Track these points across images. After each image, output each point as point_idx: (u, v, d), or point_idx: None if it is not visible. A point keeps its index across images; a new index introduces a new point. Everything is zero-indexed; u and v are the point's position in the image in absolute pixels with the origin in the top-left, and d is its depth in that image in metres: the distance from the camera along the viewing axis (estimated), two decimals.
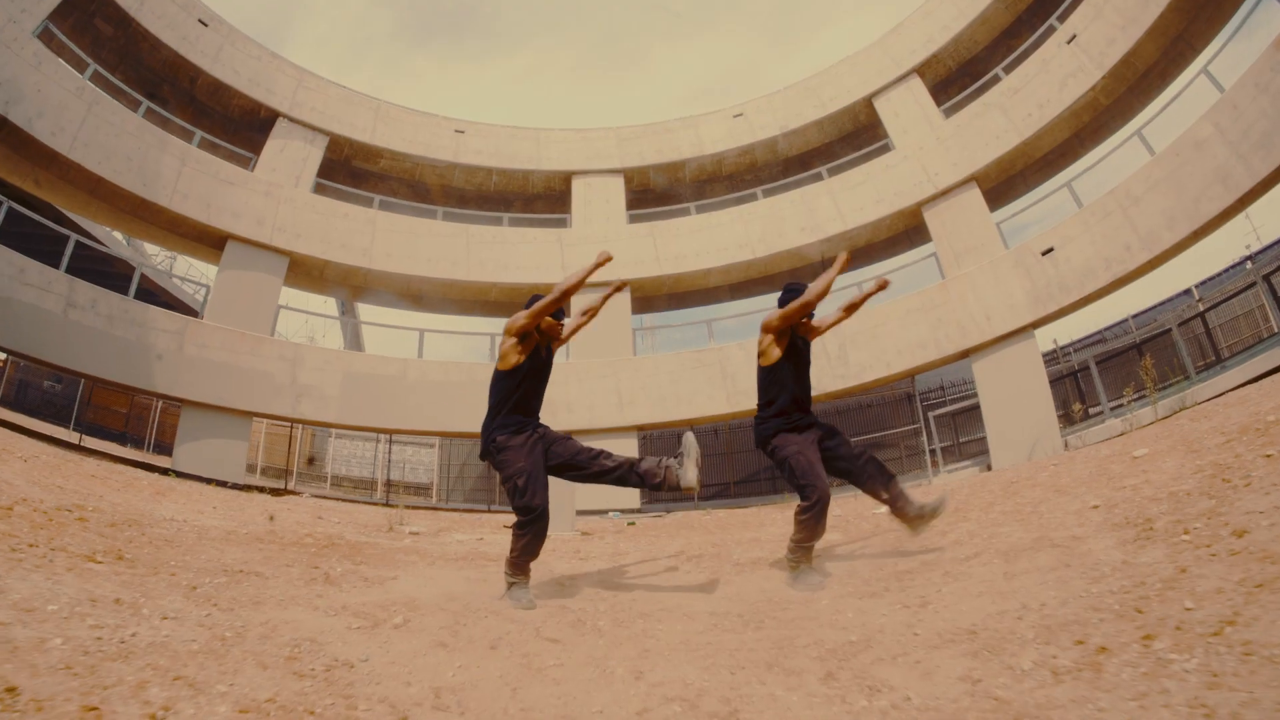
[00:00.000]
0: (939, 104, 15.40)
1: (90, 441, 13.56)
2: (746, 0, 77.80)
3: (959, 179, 14.15)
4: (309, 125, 15.47)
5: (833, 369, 13.96)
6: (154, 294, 17.63)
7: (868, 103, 16.21)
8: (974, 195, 14.05)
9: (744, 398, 14.34)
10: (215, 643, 2.34)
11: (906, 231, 15.63)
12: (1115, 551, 3.15)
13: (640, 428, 15.09)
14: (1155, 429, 8.50)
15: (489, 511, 15.53)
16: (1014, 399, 12.42)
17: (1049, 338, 19.25)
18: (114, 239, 19.41)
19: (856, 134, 17.05)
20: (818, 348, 14.01)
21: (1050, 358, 17.00)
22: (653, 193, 18.30)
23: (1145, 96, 13.79)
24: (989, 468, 12.43)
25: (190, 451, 12.46)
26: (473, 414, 14.08)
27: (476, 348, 16.26)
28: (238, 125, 15.52)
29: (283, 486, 14.65)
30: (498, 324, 17.66)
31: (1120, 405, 13.10)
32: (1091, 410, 13.98)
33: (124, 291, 12.40)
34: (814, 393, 13.44)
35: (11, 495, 4.40)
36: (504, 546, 6.79)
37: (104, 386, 14.18)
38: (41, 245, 12.23)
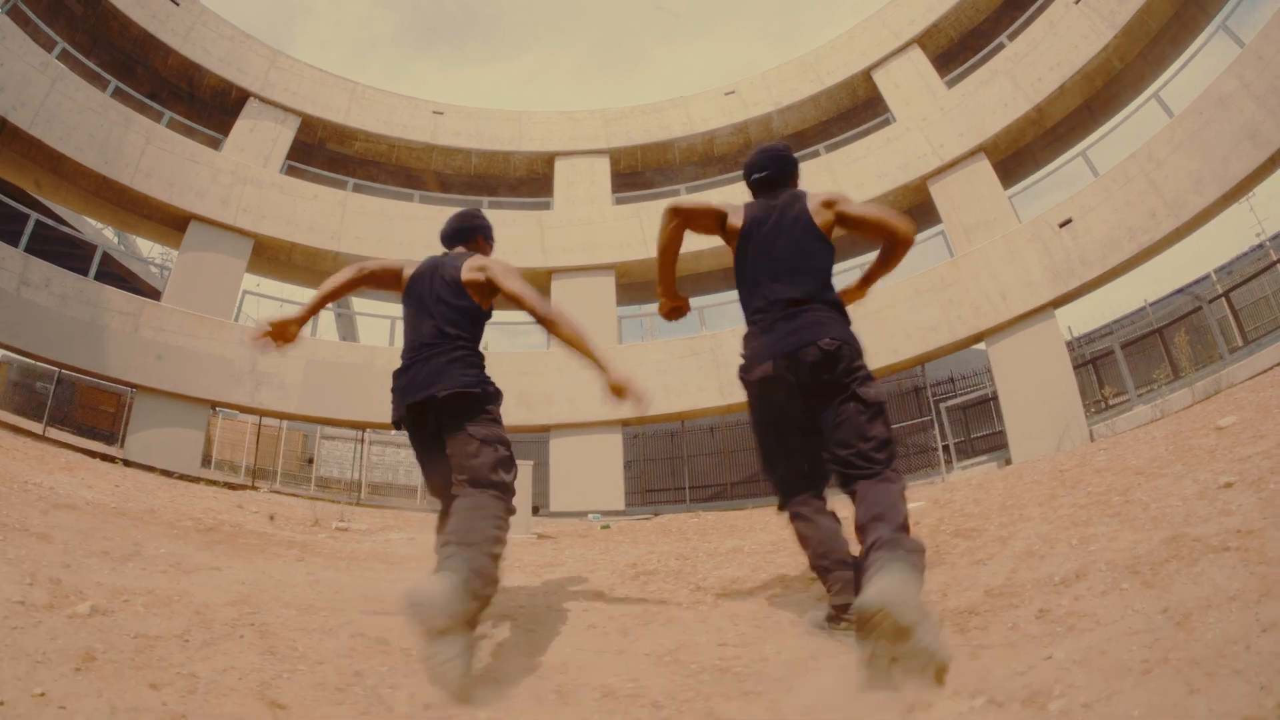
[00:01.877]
0: (942, 77, 14.87)
1: (64, 436, 13.06)
2: (747, 2, 78.10)
3: (966, 150, 13.61)
4: (281, 106, 15.24)
5: None
6: (123, 279, 17.20)
7: (866, 76, 15.81)
8: (983, 167, 13.48)
9: (738, 390, 13.57)
10: None
11: (912, 209, 14.98)
12: None
13: (625, 423, 14.48)
14: (1205, 406, 7.64)
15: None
16: (1035, 385, 11.76)
17: (1061, 328, 18.58)
18: (105, 236, 19.07)
19: (856, 110, 16.58)
20: None
21: (1074, 345, 16.21)
22: (642, 175, 17.95)
23: (1159, 63, 13.27)
24: (1008, 462, 11.69)
25: (142, 440, 12.11)
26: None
27: None
28: (210, 106, 15.40)
29: (248, 483, 13.97)
30: None
31: (1149, 391, 12.35)
32: (1114, 400, 13.22)
33: (110, 280, 12.07)
34: None
35: None
36: (422, 548, 5.99)
37: (65, 371, 13.61)
38: (9, 225, 11.89)
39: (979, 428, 14.67)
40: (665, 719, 1.82)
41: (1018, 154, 14.51)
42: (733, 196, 15.51)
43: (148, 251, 22.39)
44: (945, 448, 13.58)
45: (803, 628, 2.56)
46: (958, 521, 4.15)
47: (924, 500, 6.31)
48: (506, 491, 2.62)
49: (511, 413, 13.53)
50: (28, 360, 11.99)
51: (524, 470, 9.80)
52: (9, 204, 11.60)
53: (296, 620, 2.54)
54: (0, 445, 7.90)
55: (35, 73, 11.87)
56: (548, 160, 17.26)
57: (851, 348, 2.63)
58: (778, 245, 2.80)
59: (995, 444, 13.59)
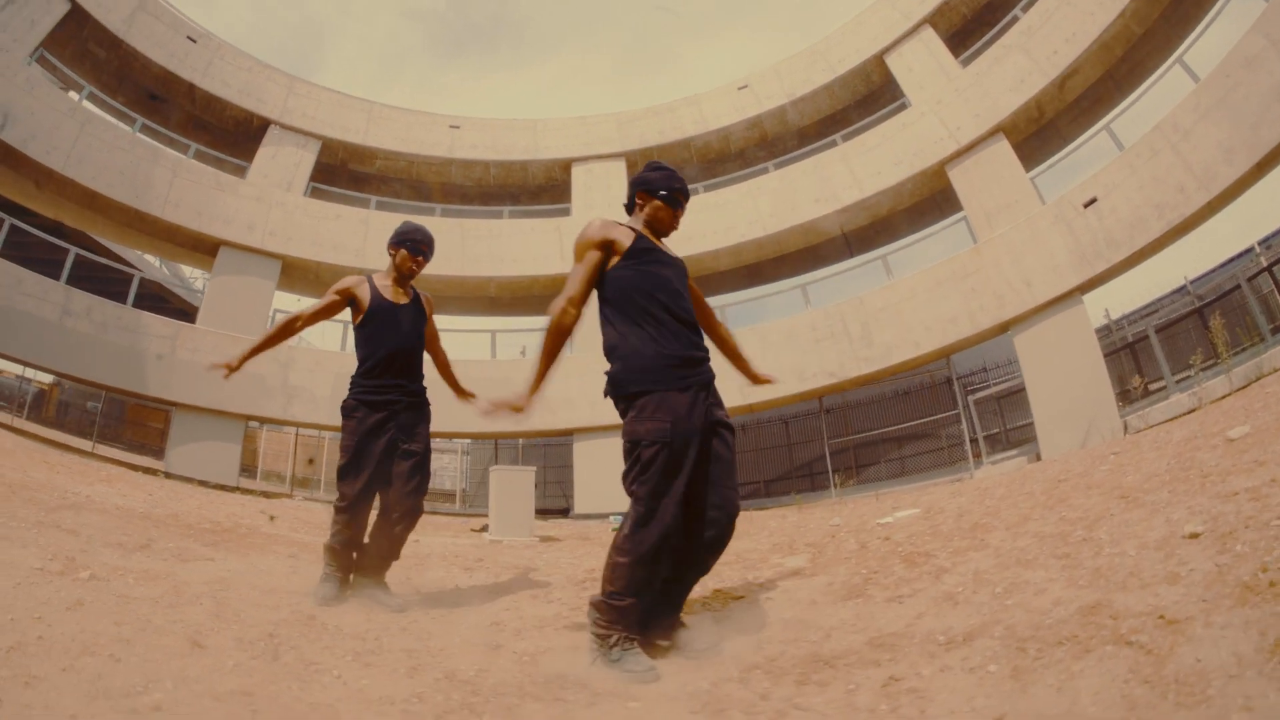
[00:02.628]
0: (956, 56, 14.37)
1: (112, 451, 14.17)
2: None
3: (983, 131, 13.13)
4: (301, 130, 15.95)
5: (855, 351, 13.08)
6: (164, 299, 18.32)
7: (879, 61, 15.43)
8: (1002, 148, 12.97)
9: (756, 391, 13.48)
10: None
11: (933, 197, 14.59)
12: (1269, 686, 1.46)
13: None
14: (1236, 400, 7.32)
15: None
16: (1063, 375, 11.29)
17: (1098, 310, 17.68)
18: (147, 260, 20.36)
19: (871, 97, 16.19)
20: (838, 329, 13.17)
21: (1102, 332, 15.39)
22: None
23: (1183, 25, 12.56)
24: (1038, 457, 11.24)
25: (181, 454, 12.92)
26: (466, 415, 13.84)
27: (477, 345, 15.98)
28: (233, 135, 16.27)
29: (287, 492, 14.72)
30: (498, 322, 17.51)
31: (1186, 378, 11.61)
32: (1152, 386, 12.47)
33: (144, 302, 12.93)
34: (838, 379, 12.65)
35: None
36: (419, 549, 6.62)
37: (108, 393, 14.64)
38: (49, 256, 12.92)
39: (1015, 418, 14.09)
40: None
41: (1039, 132, 13.92)
42: (747, 191, 15.43)
43: (190, 272, 23.80)
44: (974, 441, 13.15)
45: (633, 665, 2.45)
46: (918, 543, 4.09)
47: (919, 509, 6.21)
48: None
49: (535, 417, 13.81)
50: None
51: (525, 476, 10.06)
52: (49, 240, 12.56)
53: (254, 598, 3.18)
54: (47, 460, 8.67)
55: (64, 118, 12.82)
56: (564, 166, 17.53)
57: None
58: None
59: (1030, 435, 13.05)
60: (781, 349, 13.64)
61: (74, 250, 12.49)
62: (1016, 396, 13.45)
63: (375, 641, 2.70)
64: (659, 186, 3.06)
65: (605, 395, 2.81)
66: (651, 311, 2.78)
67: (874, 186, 14.31)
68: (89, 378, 12.40)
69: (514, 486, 9.67)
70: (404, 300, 3.80)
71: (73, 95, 14.10)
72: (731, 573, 4.31)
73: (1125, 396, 12.25)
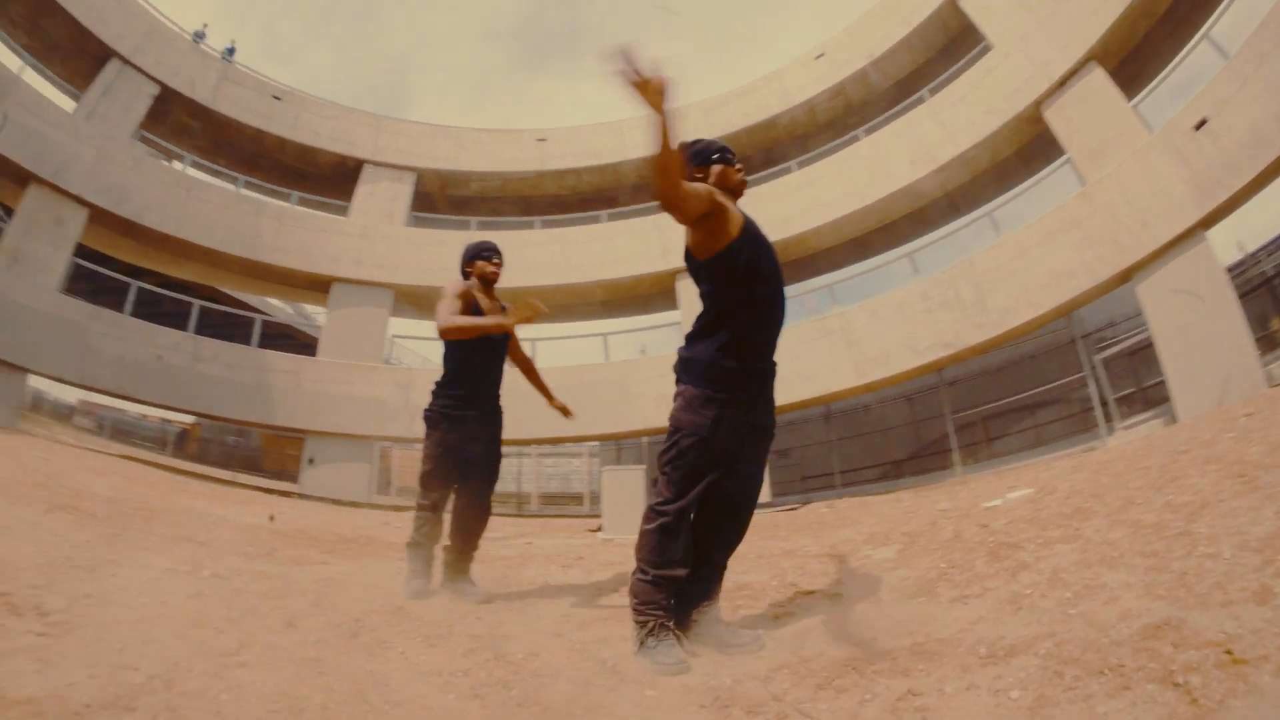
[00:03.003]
0: None
1: (253, 479, 15.82)
2: None
3: (1074, 62, 11.97)
4: (394, 165, 17.07)
5: (970, 317, 12.31)
6: (290, 335, 20.11)
7: (952, 4, 14.39)
8: (1098, 78, 11.78)
9: (874, 366, 13.06)
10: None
11: (1034, 142, 13.42)
12: None
13: None
14: None
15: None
16: (1192, 324, 10.11)
17: (1233, 242, 15.44)
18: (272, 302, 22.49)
19: (952, 45, 15.15)
20: (950, 296, 12.47)
21: (1237, 269, 13.45)
22: (751, 160, 17.55)
23: None
24: (1174, 419, 10.15)
25: (314, 477, 14.18)
26: (579, 419, 14.26)
27: (590, 349, 16.42)
28: (330, 179, 17.64)
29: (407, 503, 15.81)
30: (609, 324, 17.84)
31: None
32: None
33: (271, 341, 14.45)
34: (954, 349, 11.96)
35: (76, 491, 5.87)
36: (527, 550, 7.09)
37: (244, 427, 16.29)
38: (178, 310, 14.63)
39: (1152, 375, 12.67)
40: None
41: (1135, 54, 12.46)
42: (840, 163, 14.87)
43: (313, 309, 25.95)
44: (1104, 404, 12.00)
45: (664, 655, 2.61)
46: (1013, 531, 3.87)
47: (1033, 488, 5.84)
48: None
49: (652, 415, 14.07)
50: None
51: (634, 475, 10.36)
52: (174, 296, 14.25)
53: (354, 593, 3.64)
54: (187, 490, 9.70)
55: (171, 187, 14.43)
56: None
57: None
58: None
59: (1168, 394, 11.75)
60: (893, 322, 13.06)
61: (197, 303, 14.07)
62: (1150, 351, 12.12)
63: (447, 627, 3.03)
64: (710, 151, 2.94)
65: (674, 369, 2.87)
66: (744, 311, 2.71)
67: (969, 140, 13.39)
68: (223, 415, 13.92)
69: (625, 486, 10.08)
70: (497, 313, 3.94)
71: (177, 165, 15.80)
72: (816, 565, 4.32)
73: (1268, 342, 10.78)
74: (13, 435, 10.25)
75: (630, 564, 5.04)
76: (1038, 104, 12.48)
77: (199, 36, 16.29)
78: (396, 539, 7.30)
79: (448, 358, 3.96)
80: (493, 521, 4.10)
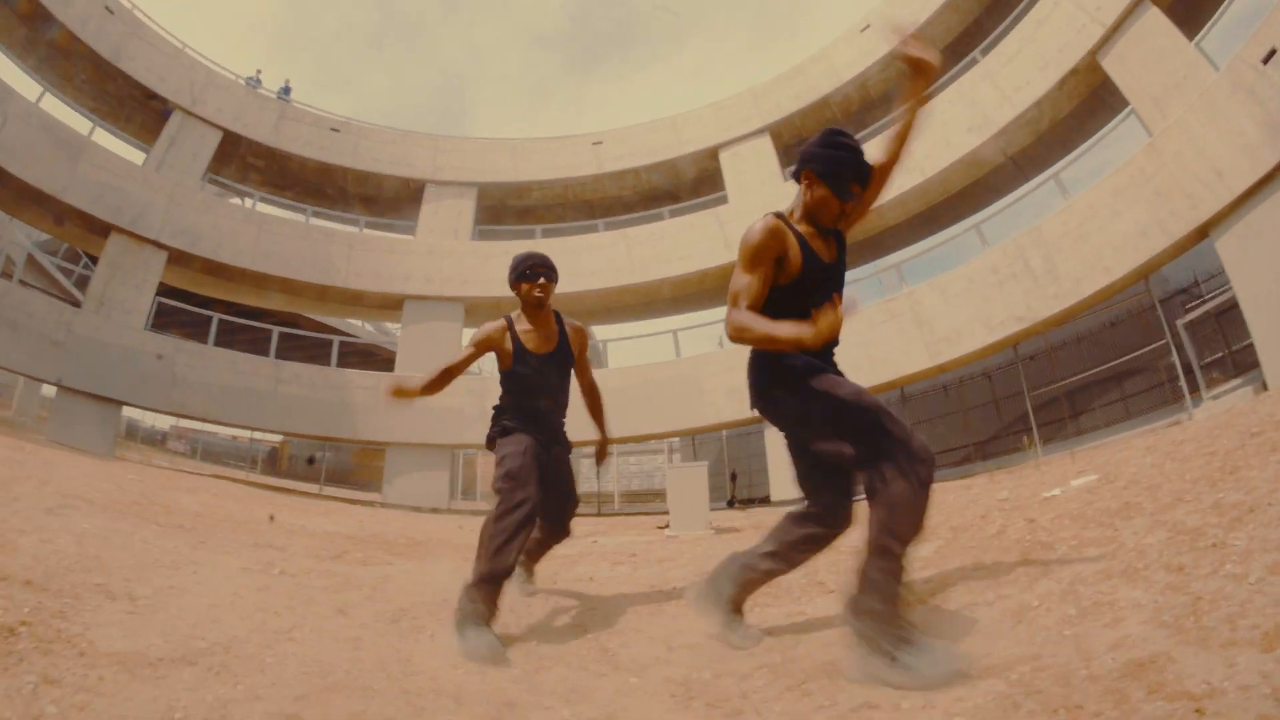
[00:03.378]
0: None
1: (340, 492, 16.78)
2: None
3: (1127, 2, 10.98)
4: (454, 182, 17.70)
5: (1042, 288, 11.58)
6: (372, 352, 21.11)
7: None
8: (1154, 18, 10.84)
9: (945, 346, 12.52)
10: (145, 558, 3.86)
11: (1093, 96, 12.40)
12: None
13: None
14: None
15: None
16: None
17: None
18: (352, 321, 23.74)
19: (998, 2, 14.00)
20: (1019, 267, 11.80)
21: None
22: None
23: None
24: (1265, 387, 9.23)
25: (396, 486, 14.94)
26: (648, 417, 14.41)
27: (661, 346, 16.40)
28: (394, 201, 18.47)
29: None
30: (677, 320, 17.78)
31: None
32: None
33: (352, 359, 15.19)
34: (1027, 323, 11.33)
35: (166, 507, 6.51)
36: (592, 548, 7.19)
37: (328, 443, 17.29)
38: (259, 337, 15.75)
39: (1241, 338, 11.48)
40: None
41: None
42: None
43: (393, 326, 27.10)
44: (1188, 373, 10.98)
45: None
46: (1056, 528, 3.68)
47: (1100, 474, 5.49)
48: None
49: (725, 409, 14.12)
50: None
51: (697, 471, 10.44)
52: (252, 325, 15.42)
53: (408, 589, 4.07)
54: (272, 503, 10.38)
55: (243, 223, 15.46)
56: (711, 155, 17.48)
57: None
58: None
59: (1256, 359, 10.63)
60: (963, 299, 12.44)
61: (276, 330, 15.10)
62: (1237, 311, 10.98)
63: None
64: (823, 168, 2.56)
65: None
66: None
67: (1025, 99, 12.56)
68: (307, 432, 14.88)
69: (688, 482, 10.11)
70: (548, 349, 3.67)
71: (246, 202, 16.93)
72: (850, 562, 4.10)
73: None
74: (106, 463, 11.15)
75: (683, 558, 5.52)
76: (1093, 53, 11.58)
77: (254, 82, 17.44)
78: (464, 542, 7.60)
79: (504, 386, 3.80)
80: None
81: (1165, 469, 4.46)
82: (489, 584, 2.98)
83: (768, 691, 2.18)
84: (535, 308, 3.65)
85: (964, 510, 5.87)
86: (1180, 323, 11.29)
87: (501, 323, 3.66)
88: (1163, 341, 11.50)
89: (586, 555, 6.21)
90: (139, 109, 15.88)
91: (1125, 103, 11.40)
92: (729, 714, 2.06)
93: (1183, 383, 10.94)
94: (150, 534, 4.45)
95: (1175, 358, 11.15)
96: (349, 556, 5.25)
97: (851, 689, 2.08)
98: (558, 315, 3.78)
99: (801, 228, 2.61)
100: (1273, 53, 9.06)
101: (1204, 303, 11.63)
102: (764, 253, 2.55)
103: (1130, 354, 12.41)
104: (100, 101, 15.78)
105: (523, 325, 3.66)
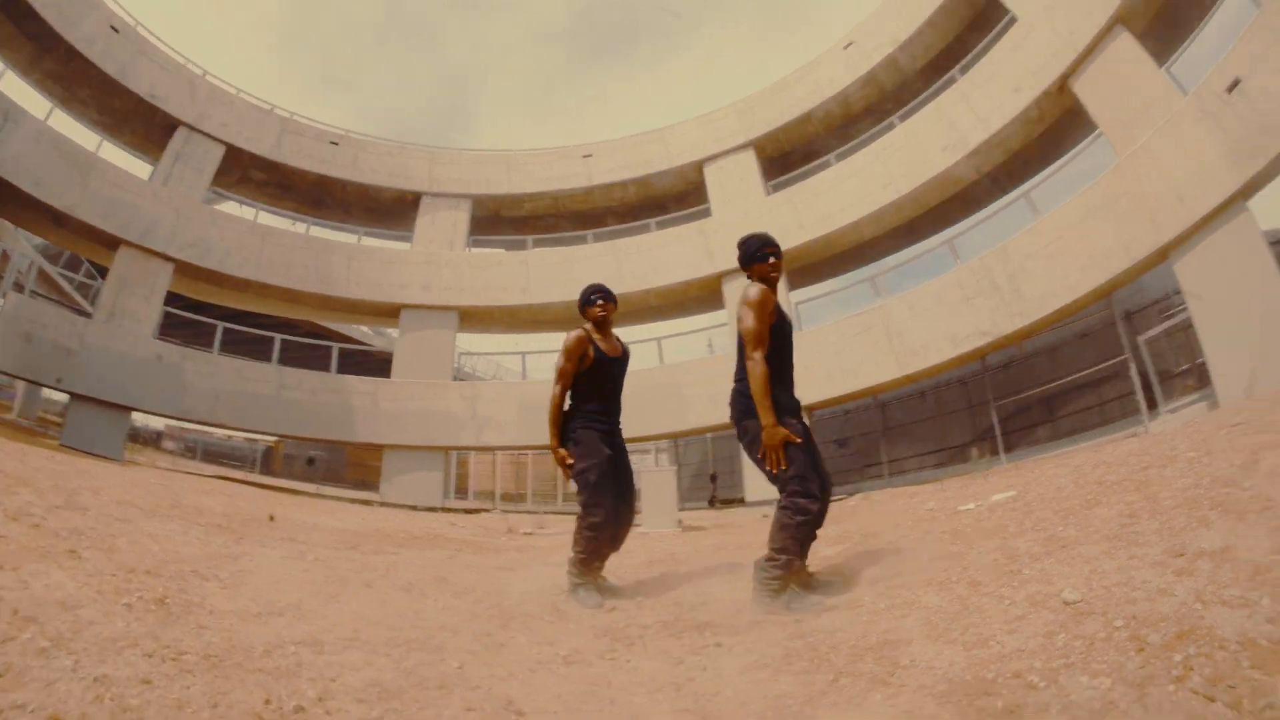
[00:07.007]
0: None
1: (336, 491, 17.01)
2: None
3: (1100, 28, 11.01)
4: (450, 194, 17.75)
5: (1007, 306, 11.62)
6: (372, 355, 21.18)
7: None
8: (1125, 43, 10.75)
9: (914, 358, 12.56)
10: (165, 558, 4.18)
11: (1066, 117, 12.27)
12: None
13: (808, 408, 13.89)
14: None
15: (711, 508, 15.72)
16: (1233, 302, 9.20)
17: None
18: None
19: (978, 22, 14.09)
20: (985, 284, 11.80)
21: None
22: (790, 156, 17.15)
23: None
24: (1217, 404, 9.27)
25: (393, 485, 15.10)
26: (634, 421, 14.34)
27: (646, 353, 16.34)
28: (392, 212, 18.53)
29: (488, 507, 16.41)
30: (662, 328, 17.77)
31: None
32: None
33: (362, 365, 15.95)
34: (991, 338, 11.28)
35: (196, 509, 6.89)
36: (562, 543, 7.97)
37: (328, 445, 17.37)
38: (263, 343, 15.84)
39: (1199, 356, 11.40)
40: None
41: (1165, 12, 11.18)
42: (875, 154, 14.11)
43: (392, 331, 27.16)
44: (1146, 388, 10.94)
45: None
46: (942, 544, 4.24)
47: (1014, 491, 5.76)
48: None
49: (705, 414, 14.20)
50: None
51: (666, 476, 10.81)
52: (256, 333, 15.56)
53: (412, 570, 4.90)
54: (281, 503, 10.58)
55: (247, 235, 15.59)
56: (697, 168, 17.45)
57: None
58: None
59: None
60: (932, 313, 12.49)
61: (278, 337, 15.24)
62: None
63: (471, 590, 4.29)
64: (749, 257, 3.79)
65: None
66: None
67: (999, 120, 12.50)
68: (308, 435, 15.08)
69: (659, 486, 10.82)
70: (616, 354, 4.36)
71: (249, 214, 16.90)
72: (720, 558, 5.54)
73: None
74: (127, 468, 11.34)
75: (642, 551, 6.61)
76: (1065, 77, 11.56)
77: None
78: (456, 535, 8.57)
79: (577, 387, 4.33)
80: (550, 520, 5.49)
81: (1064, 490, 4.74)
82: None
83: (656, 634, 3.23)
84: (601, 325, 4.36)
85: (887, 519, 6.47)
86: (1141, 338, 11.23)
87: (583, 334, 4.28)
88: (1123, 357, 11.42)
89: (562, 549, 6.65)
90: (143, 123, 15.92)
91: (1095, 127, 11.26)
92: (628, 644, 3.10)
93: (1139, 397, 10.90)
94: (199, 533, 5.17)
95: (1133, 373, 11.10)
96: (362, 547, 6.16)
97: (708, 634, 3.10)
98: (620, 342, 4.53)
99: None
100: (1237, 82, 9.00)
101: (1172, 316, 11.52)
102: (769, 304, 3.59)
103: (1092, 368, 12.33)
104: (106, 116, 15.82)
105: (596, 336, 4.31)
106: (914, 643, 2.46)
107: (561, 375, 4.20)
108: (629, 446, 4.64)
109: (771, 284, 3.72)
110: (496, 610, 3.70)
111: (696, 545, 6.95)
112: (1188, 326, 11.32)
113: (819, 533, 3.62)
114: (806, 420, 3.71)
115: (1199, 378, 11.28)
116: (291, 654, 2.48)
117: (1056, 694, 1.77)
